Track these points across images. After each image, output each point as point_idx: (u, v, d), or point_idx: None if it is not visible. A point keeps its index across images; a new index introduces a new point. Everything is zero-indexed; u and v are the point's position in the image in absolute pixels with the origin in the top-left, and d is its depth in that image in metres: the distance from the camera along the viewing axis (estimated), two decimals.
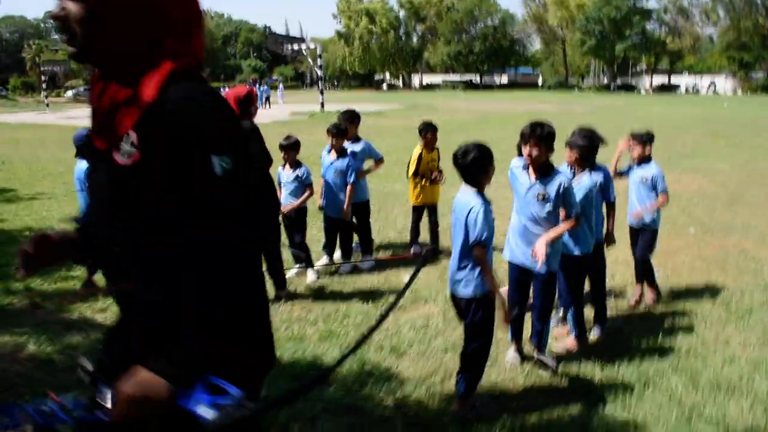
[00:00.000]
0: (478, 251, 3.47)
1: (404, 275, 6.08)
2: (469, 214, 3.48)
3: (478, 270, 3.52)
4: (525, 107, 34.78)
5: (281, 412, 3.58)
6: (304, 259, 6.08)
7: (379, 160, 6.85)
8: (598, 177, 4.54)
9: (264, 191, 5.21)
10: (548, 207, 3.96)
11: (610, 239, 4.91)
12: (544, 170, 3.98)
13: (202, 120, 1.44)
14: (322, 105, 33.46)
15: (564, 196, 3.98)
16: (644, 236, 5.28)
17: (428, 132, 6.51)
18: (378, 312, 5.16)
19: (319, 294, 5.68)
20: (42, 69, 56.92)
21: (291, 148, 5.92)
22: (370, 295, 5.57)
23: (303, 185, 5.96)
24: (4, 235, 8.03)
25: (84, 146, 5.05)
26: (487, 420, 3.56)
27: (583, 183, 4.34)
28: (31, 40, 72.93)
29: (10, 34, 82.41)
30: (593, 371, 4.19)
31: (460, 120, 26.22)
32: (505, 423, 3.55)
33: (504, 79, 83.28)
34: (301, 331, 4.79)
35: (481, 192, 3.57)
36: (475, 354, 3.68)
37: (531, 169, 4.01)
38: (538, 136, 3.87)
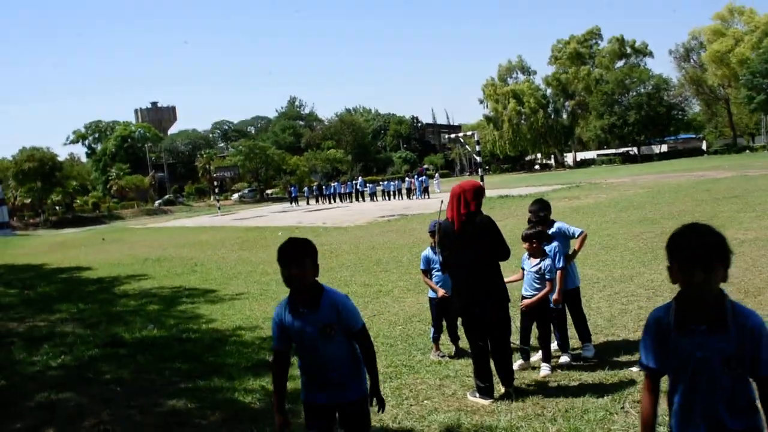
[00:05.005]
0: None
1: (634, 366, 5.61)
2: None
3: None
4: (696, 176, 31.87)
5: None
6: (548, 354, 5.79)
7: (580, 236, 6.14)
8: None
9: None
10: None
11: None
12: (713, 312, 2.32)
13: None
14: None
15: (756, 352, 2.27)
16: None
17: None
18: (619, 406, 4.77)
19: (545, 389, 5.35)
20: (213, 176, 62.76)
21: (536, 237, 5.71)
22: (602, 389, 5.17)
23: (543, 279, 5.69)
24: (219, 333, 8.57)
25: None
26: None
27: None
28: (202, 150, 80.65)
29: (184, 146, 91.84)
30: None
31: (631, 196, 24.24)
32: None
33: (663, 148, 77.39)
34: (545, 429, 4.51)
35: None
36: None
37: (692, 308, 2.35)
38: (694, 254, 2.25)
